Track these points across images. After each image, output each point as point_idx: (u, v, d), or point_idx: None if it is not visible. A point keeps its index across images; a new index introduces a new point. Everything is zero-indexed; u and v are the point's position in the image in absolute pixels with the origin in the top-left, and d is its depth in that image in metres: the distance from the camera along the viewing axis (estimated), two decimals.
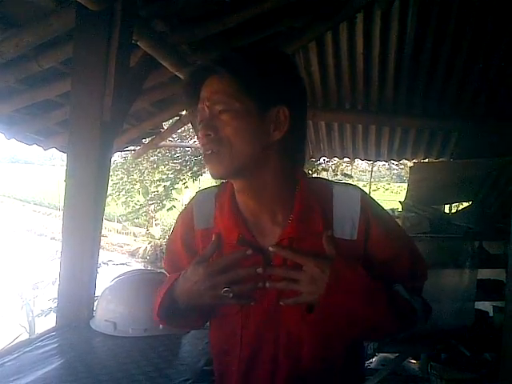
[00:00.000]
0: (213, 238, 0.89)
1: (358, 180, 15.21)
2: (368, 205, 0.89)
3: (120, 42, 1.66)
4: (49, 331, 1.70)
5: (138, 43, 2.00)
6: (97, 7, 1.59)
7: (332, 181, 0.96)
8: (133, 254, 13.05)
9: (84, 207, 1.76)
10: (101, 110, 1.70)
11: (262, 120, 0.82)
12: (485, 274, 3.27)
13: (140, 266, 10.45)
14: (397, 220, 3.33)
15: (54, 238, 13.40)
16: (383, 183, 14.31)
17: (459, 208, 4.78)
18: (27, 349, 1.53)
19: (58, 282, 1.86)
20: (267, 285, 0.83)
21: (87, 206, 1.75)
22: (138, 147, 4.18)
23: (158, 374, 1.36)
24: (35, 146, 2.96)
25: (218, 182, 0.96)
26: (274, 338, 0.86)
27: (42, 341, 1.59)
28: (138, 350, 1.53)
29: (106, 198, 2.00)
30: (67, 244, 1.79)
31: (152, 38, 2.07)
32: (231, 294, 0.82)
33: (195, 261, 0.87)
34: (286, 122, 0.84)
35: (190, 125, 4.47)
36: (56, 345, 1.57)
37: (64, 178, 1.80)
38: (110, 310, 1.67)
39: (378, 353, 3.38)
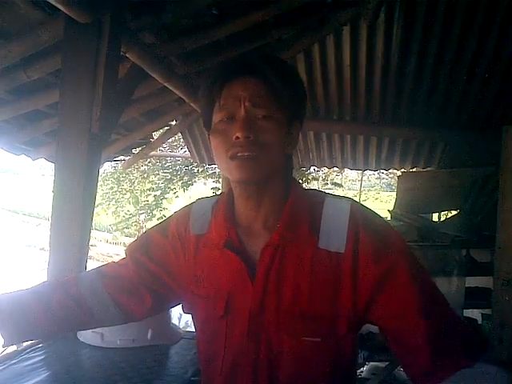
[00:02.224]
0: (204, 242, 0.91)
1: (348, 189, 15.29)
2: (359, 216, 0.84)
3: (108, 54, 1.68)
4: (35, 343, 1.69)
5: (127, 55, 2.02)
6: (85, 19, 1.60)
7: (327, 192, 0.94)
8: None
9: (72, 218, 1.75)
10: (89, 121, 1.71)
11: (287, 132, 0.85)
12: (473, 281, 3.30)
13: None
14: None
15: (43, 249, 13.24)
16: (373, 192, 14.39)
17: (447, 216, 4.83)
18: (13, 361, 1.52)
19: None
20: None
21: (75, 216, 1.75)
22: (128, 157, 4.18)
23: None
24: (23, 156, 2.95)
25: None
26: (255, 349, 0.84)
27: (28, 353, 1.58)
28: (125, 361, 1.53)
29: (94, 208, 2.00)
30: (54, 255, 1.78)
31: (141, 50, 2.09)
32: None
33: None
34: (297, 138, 0.88)
35: (180, 135, 4.48)
36: (42, 357, 1.56)
37: (52, 189, 1.80)
38: None
39: (369, 362, 3.38)
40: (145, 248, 0.99)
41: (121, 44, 1.83)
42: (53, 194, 1.78)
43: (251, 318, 0.84)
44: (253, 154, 0.79)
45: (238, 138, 0.79)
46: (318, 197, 0.90)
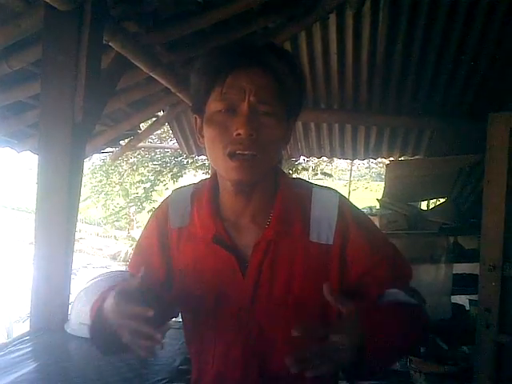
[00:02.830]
0: (187, 235, 0.88)
1: (338, 179, 15.35)
2: (346, 209, 0.87)
3: (90, 42, 1.65)
4: (22, 335, 1.69)
5: (110, 43, 1.99)
6: (65, 7, 1.58)
7: (311, 182, 0.94)
8: (114, 257, 12.92)
9: (56, 210, 1.73)
10: (72, 111, 1.68)
11: (286, 129, 0.83)
12: (460, 268, 3.34)
13: (121, 269, 10.32)
14: (374, 218, 3.39)
15: (32, 243, 13.14)
16: (363, 182, 14.47)
17: (436, 204, 4.86)
18: (0, 353, 1.51)
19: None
20: None
21: (60, 209, 1.73)
22: (116, 149, 4.14)
23: (133, 375, 1.36)
24: (8, 148, 2.91)
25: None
26: (246, 341, 0.85)
27: (15, 345, 1.57)
28: None
29: (83, 201, 1.98)
30: (40, 248, 1.77)
31: (124, 39, 2.05)
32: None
33: (119, 289, 0.75)
34: (292, 134, 0.87)
35: (168, 126, 4.44)
36: (30, 349, 1.55)
37: (36, 181, 1.77)
38: (85, 312, 1.64)
39: None
40: (151, 264, 0.92)
41: (103, 32, 1.80)
42: (37, 186, 1.76)
43: (241, 311, 0.84)
44: (253, 153, 0.76)
45: (239, 134, 0.75)
46: (305, 188, 0.90)
